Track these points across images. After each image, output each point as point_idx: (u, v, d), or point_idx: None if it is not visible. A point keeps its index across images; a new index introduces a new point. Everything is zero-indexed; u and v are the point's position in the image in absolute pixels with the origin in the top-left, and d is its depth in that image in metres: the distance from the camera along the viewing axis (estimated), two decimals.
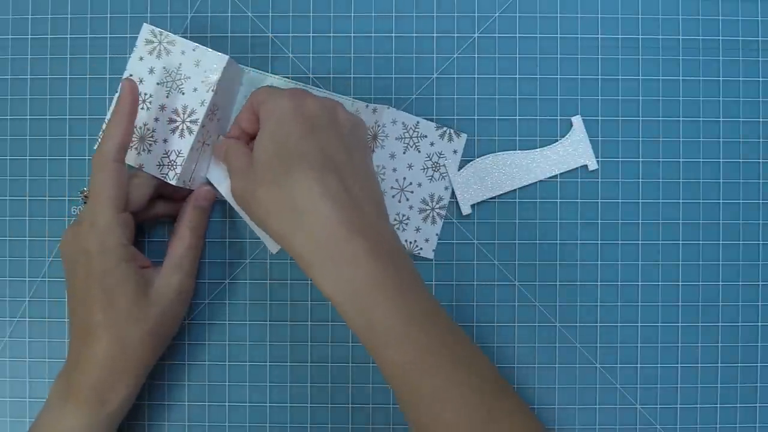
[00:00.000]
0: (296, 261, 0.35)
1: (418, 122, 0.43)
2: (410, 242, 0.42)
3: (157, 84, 0.40)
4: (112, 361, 0.37)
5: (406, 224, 0.42)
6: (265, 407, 0.43)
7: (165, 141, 0.40)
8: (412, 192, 0.43)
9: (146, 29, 0.40)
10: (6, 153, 0.44)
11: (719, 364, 0.43)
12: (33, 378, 0.43)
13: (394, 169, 0.43)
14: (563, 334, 0.43)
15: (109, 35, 0.43)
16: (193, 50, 0.39)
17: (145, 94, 0.40)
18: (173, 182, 0.39)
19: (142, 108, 0.40)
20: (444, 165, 0.43)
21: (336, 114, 0.37)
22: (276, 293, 0.43)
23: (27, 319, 0.43)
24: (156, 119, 0.40)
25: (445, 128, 0.43)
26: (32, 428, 0.38)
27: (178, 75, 0.40)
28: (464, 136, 0.43)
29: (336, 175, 0.35)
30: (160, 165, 0.40)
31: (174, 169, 0.39)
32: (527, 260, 0.43)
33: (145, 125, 0.40)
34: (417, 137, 0.42)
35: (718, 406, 0.43)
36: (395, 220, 0.42)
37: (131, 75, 0.40)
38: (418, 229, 0.43)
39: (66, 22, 0.44)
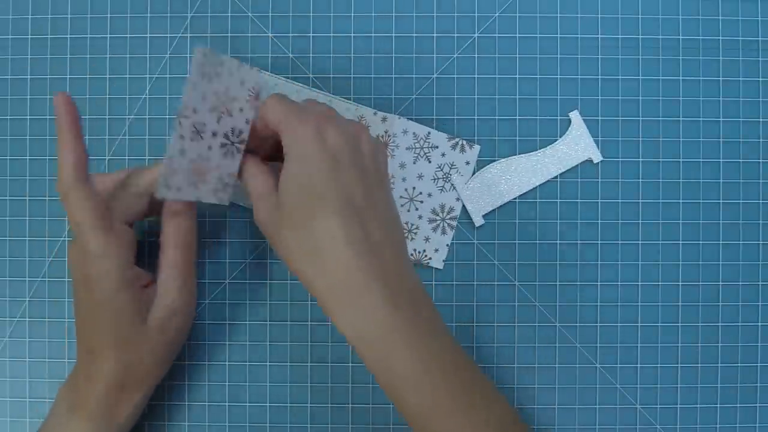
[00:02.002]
0: (317, 302, 0.35)
1: (429, 132, 0.42)
2: (419, 251, 0.42)
3: (210, 111, 0.37)
4: (118, 379, 0.37)
5: (415, 233, 0.42)
6: (265, 407, 0.43)
7: (218, 167, 0.37)
8: (421, 202, 0.43)
9: (199, 54, 0.35)
10: (6, 153, 0.44)
11: (719, 364, 0.43)
12: (33, 378, 0.43)
13: (404, 179, 0.43)
14: (563, 334, 0.43)
15: (109, 35, 0.43)
16: (238, 70, 0.37)
17: (202, 124, 0.36)
18: (226, 203, 0.38)
19: (195, 140, 0.36)
20: (456, 177, 0.42)
21: (359, 143, 0.36)
22: (276, 293, 0.43)
23: (27, 319, 0.43)
24: (209, 147, 0.37)
25: (457, 139, 0.43)
26: None
27: (227, 98, 0.37)
28: (477, 147, 0.43)
29: (358, 219, 0.34)
30: (215, 190, 0.38)
31: (227, 191, 0.38)
32: (527, 260, 0.43)
33: (199, 156, 0.37)
34: (428, 147, 0.42)
35: (718, 406, 0.43)
36: (404, 229, 0.42)
37: (190, 107, 0.36)
38: (427, 239, 0.43)
39: (66, 22, 0.44)
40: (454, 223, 0.43)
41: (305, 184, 0.35)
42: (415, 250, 0.42)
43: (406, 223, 0.42)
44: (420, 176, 0.43)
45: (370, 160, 0.37)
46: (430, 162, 0.43)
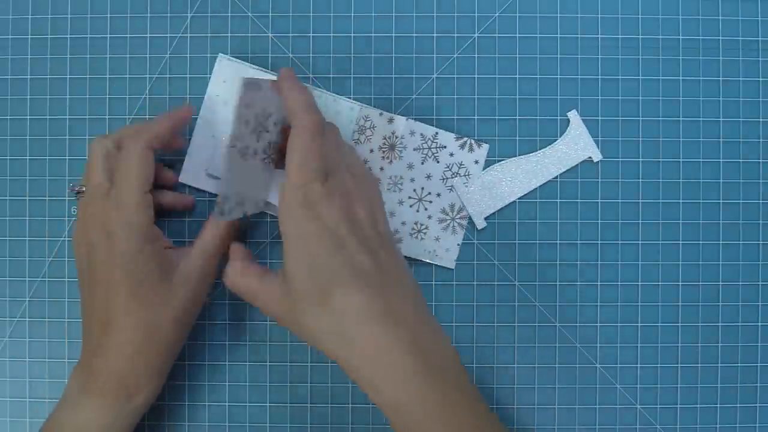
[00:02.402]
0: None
1: (437, 133, 0.42)
2: (429, 251, 0.42)
3: (251, 133, 0.38)
4: (137, 348, 0.36)
5: (425, 233, 0.42)
6: (265, 407, 0.43)
7: (257, 181, 0.40)
8: (430, 202, 0.43)
9: (242, 87, 0.37)
10: (6, 153, 0.44)
11: (719, 364, 0.43)
12: (33, 378, 0.43)
13: (412, 179, 0.42)
14: (563, 334, 0.43)
15: (109, 35, 0.43)
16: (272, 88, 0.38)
17: (246, 147, 0.38)
18: (261, 209, 0.41)
19: (242, 164, 0.38)
20: (457, 179, 0.42)
21: (353, 210, 0.36)
22: None
23: (27, 319, 0.43)
24: (253, 167, 0.39)
25: (465, 138, 0.43)
26: (45, 424, 0.37)
27: (263, 117, 0.39)
28: (485, 146, 0.43)
29: (373, 290, 0.34)
30: (255, 202, 0.41)
31: (261, 199, 0.41)
32: (527, 260, 0.43)
33: (243, 177, 0.39)
34: (436, 148, 0.42)
35: (718, 406, 0.43)
36: (413, 229, 0.42)
37: (238, 136, 0.37)
38: (437, 239, 0.42)
39: (66, 22, 0.44)
40: (465, 223, 0.43)
41: (312, 265, 0.34)
42: (425, 250, 0.42)
43: (415, 224, 0.42)
44: (428, 176, 0.43)
45: (368, 224, 0.36)
46: (438, 162, 0.43)
